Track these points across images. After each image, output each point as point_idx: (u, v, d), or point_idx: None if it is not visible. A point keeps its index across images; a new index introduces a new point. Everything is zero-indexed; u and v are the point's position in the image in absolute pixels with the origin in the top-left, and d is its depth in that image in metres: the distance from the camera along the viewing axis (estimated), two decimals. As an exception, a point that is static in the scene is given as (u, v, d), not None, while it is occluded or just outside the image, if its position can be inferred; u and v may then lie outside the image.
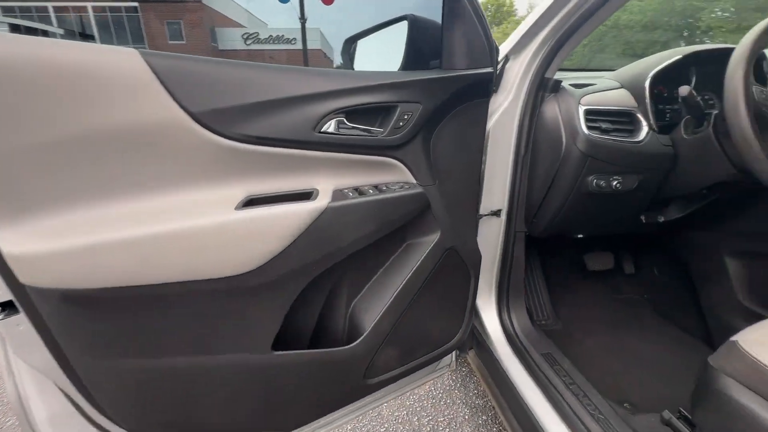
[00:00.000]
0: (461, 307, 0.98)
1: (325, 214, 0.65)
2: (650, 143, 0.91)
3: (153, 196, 0.57)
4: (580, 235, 1.23)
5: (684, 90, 0.81)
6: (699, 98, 0.86)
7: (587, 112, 0.92)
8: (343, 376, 0.81)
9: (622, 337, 1.25)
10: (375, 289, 0.85)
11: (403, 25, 0.88)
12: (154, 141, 0.55)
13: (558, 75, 0.99)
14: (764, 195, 0.99)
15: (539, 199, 1.03)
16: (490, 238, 1.11)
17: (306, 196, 0.68)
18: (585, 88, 0.99)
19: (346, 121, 0.70)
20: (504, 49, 0.97)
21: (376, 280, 0.86)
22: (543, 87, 0.97)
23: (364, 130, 0.72)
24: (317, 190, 0.69)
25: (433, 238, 0.84)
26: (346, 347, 0.78)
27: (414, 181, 0.79)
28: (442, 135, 0.82)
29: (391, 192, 0.74)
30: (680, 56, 0.97)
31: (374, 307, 0.84)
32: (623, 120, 0.94)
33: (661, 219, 1.07)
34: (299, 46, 21.08)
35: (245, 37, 22.22)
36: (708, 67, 1.01)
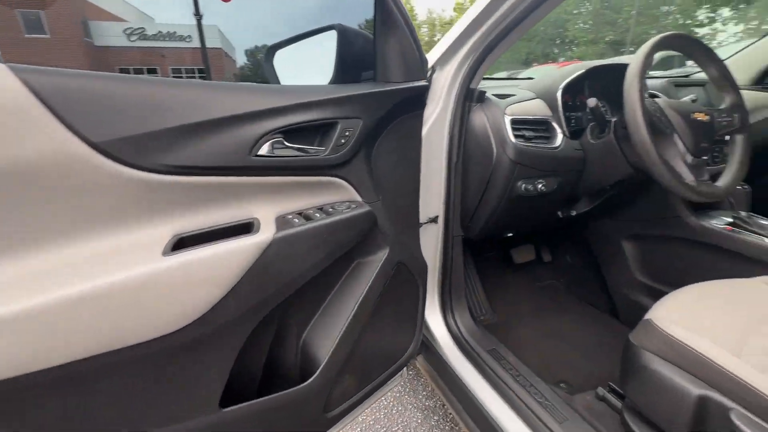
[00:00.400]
0: (412, 318, 0.98)
1: (271, 247, 0.59)
2: (565, 148, 1.01)
3: (53, 252, 0.45)
4: (509, 234, 1.33)
5: (592, 102, 0.92)
6: (603, 108, 0.99)
7: (513, 122, 0.99)
8: (303, 416, 0.75)
9: (548, 320, 1.39)
10: (326, 316, 0.80)
11: (331, 36, 0.84)
12: (47, 182, 0.43)
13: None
14: (649, 188, 1.18)
15: (474, 204, 1.08)
16: (430, 243, 1.13)
17: (246, 228, 0.60)
18: (507, 99, 1.07)
19: (284, 141, 0.64)
20: (430, 59, 0.99)
21: (327, 306, 0.81)
22: (469, 97, 1.02)
23: (303, 149, 0.66)
24: (257, 220, 0.62)
25: (382, 255, 0.82)
26: (302, 385, 0.72)
27: (360, 199, 0.76)
28: (381, 150, 0.81)
29: (339, 214, 0.69)
30: (584, 70, 1.11)
31: (327, 335, 0.79)
32: (542, 128, 1.04)
33: (574, 213, 1.20)
34: (195, 44, 19.33)
35: (129, 32, 19.57)
36: (602, 80, 1.16)
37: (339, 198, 0.74)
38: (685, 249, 1.13)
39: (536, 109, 1.07)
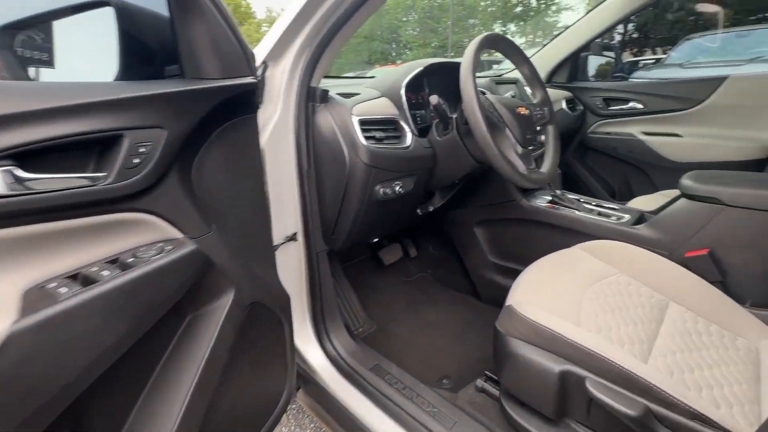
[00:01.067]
0: (281, 359, 0.82)
1: (8, 348, 0.36)
2: (416, 147, 1.00)
3: None
4: (375, 240, 1.28)
5: (434, 99, 0.92)
6: (444, 105, 1.01)
7: (362, 123, 0.92)
8: None
9: (422, 314, 1.41)
10: (158, 393, 0.58)
11: (107, 14, 0.60)
12: None
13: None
14: (489, 177, 1.29)
15: (334, 215, 0.98)
16: (292, 264, 0.99)
17: None
18: (353, 98, 0.99)
19: (22, 171, 0.41)
20: (259, 54, 0.84)
21: (156, 382, 0.59)
22: (312, 97, 0.91)
23: (66, 178, 0.44)
24: None
25: (226, 300, 0.64)
26: None
27: (179, 235, 0.57)
28: (206, 165, 0.62)
29: (145, 264, 0.49)
30: (421, 68, 1.12)
31: (164, 416, 0.58)
32: (391, 128, 1.00)
33: (431, 208, 1.23)
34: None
35: None
36: (440, 77, 1.21)
37: (145, 240, 0.53)
38: (523, 228, 1.28)
39: (383, 107, 1.03)
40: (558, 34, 1.83)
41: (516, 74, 1.78)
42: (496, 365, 0.84)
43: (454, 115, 0.99)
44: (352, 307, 1.30)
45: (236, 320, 0.66)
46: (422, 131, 1.09)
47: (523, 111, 0.92)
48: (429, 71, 1.13)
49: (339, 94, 0.99)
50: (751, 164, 1.52)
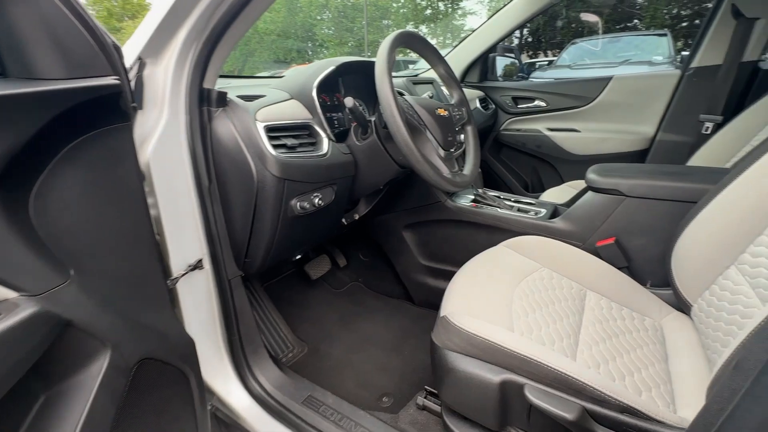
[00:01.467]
0: (188, 419, 0.68)
1: None
2: (334, 154, 0.91)
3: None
4: (298, 257, 1.17)
5: (349, 102, 0.84)
6: (362, 107, 0.94)
7: (268, 129, 0.81)
8: None
9: (356, 326, 1.34)
10: None
11: None
12: None
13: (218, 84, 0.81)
14: (414, 180, 1.26)
15: (246, 236, 0.86)
16: (199, 297, 0.84)
17: None
18: (257, 101, 0.87)
19: None
20: (131, 49, 0.68)
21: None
22: (206, 100, 0.77)
23: None
24: None
25: (98, 366, 0.50)
26: None
27: (11, 295, 0.42)
28: (52, 194, 0.47)
29: None
30: (334, 67, 1.03)
31: None
32: (304, 134, 0.90)
33: (357, 216, 1.16)
34: None
35: None
36: (354, 77, 1.13)
37: None
38: (449, 229, 1.27)
39: (293, 111, 0.92)
40: (466, 36, 1.88)
41: (432, 74, 1.79)
42: (436, 381, 0.80)
43: (373, 118, 0.93)
44: (279, 331, 1.18)
45: (116, 388, 0.52)
46: (340, 136, 1.01)
47: (442, 112, 0.89)
48: (343, 70, 1.05)
49: (241, 96, 0.86)
50: (636, 154, 1.73)
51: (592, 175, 1.05)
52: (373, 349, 1.23)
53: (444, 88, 1.60)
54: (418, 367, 1.14)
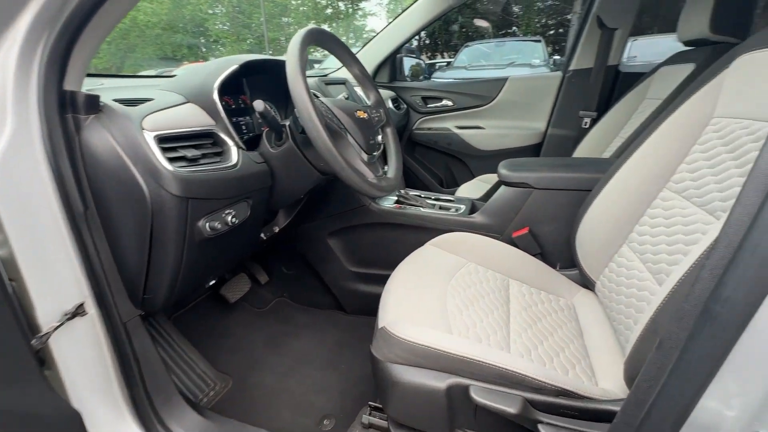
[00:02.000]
0: None
1: None
2: (246, 164, 0.81)
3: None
4: (212, 281, 1.03)
5: (259, 105, 0.75)
6: (274, 111, 0.84)
7: (160, 140, 0.68)
8: None
9: (287, 349, 1.24)
10: None
11: None
12: None
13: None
14: (337, 185, 1.20)
15: (142, 268, 0.71)
16: (85, 351, 0.68)
17: None
18: (142, 106, 0.72)
19: None
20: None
21: None
22: (70, 106, 0.61)
23: None
24: None
25: None
26: None
27: None
28: None
29: None
30: (237, 65, 0.91)
31: None
32: (207, 143, 0.78)
33: (276, 229, 1.06)
34: None
35: None
36: (259, 77, 1.03)
37: None
38: (376, 232, 1.25)
39: (191, 117, 0.79)
40: (372, 37, 1.88)
41: (343, 74, 1.74)
42: (380, 395, 0.76)
43: (287, 122, 0.85)
44: (196, 369, 1.02)
45: None
46: (250, 143, 0.90)
47: (362, 115, 0.85)
48: (246, 70, 0.94)
49: (120, 100, 0.71)
50: (532, 148, 1.92)
51: (503, 170, 1.12)
52: (308, 369, 1.15)
53: (357, 89, 1.57)
54: (359, 380, 1.10)
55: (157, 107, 0.74)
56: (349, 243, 1.31)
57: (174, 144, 0.70)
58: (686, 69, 1.17)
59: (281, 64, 0.75)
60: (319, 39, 0.78)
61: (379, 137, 0.93)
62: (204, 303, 1.28)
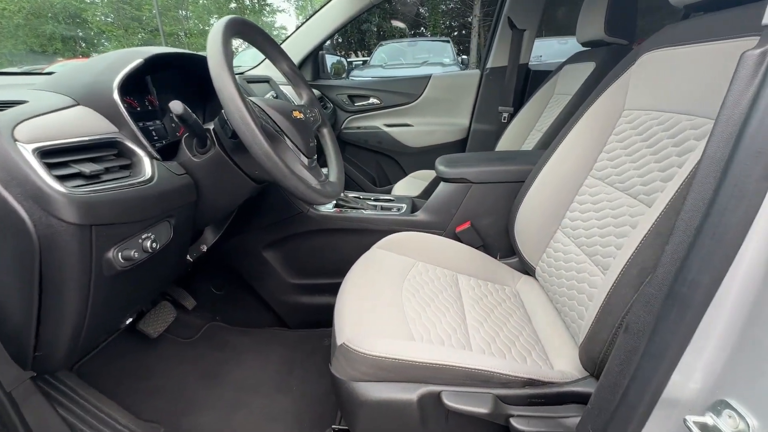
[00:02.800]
0: None
1: None
2: (164, 177, 0.67)
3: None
4: (129, 320, 0.86)
5: (177, 107, 0.62)
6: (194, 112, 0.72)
7: (43, 154, 0.53)
8: None
9: (226, 378, 1.11)
10: None
11: None
12: None
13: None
14: (269, 192, 1.09)
15: (30, 320, 0.55)
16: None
17: None
18: (9, 112, 0.56)
19: None
20: None
21: None
22: None
23: None
24: None
25: None
26: None
27: None
28: None
29: None
30: (141, 60, 0.75)
31: None
32: (110, 154, 0.63)
33: (205, 248, 0.93)
34: None
35: None
36: (167, 74, 0.88)
37: None
38: (317, 239, 1.18)
39: (84, 123, 0.63)
40: (292, 33, 1.77)
41: (265, 71, 1.61)
42: (346, 416, 0.71)
43: (211, 126, 0.73)
44: (115, 425, 0.85)
45: None
46: (165, 152, 0.76)
47: (298, 115, 0.77)
48: (151, 66, 0.79)
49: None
50: (458, 143, 1.99)
51: (441, 167, 1.13)
52: (255, 398, 1.04)
53: (284, 88, 1.46)
54: (315, 402, 1.02)
55: (33, 112, 0.57)
56: (288, 254, 1.21)
57: (64, 158, 0.55)
58: (588, 67, 1.30)
59: (194, 59, 0.64)
60: (242, 30, 0.68)
61: (314, 140, 0.87)
62: (117, 343, 1.08)
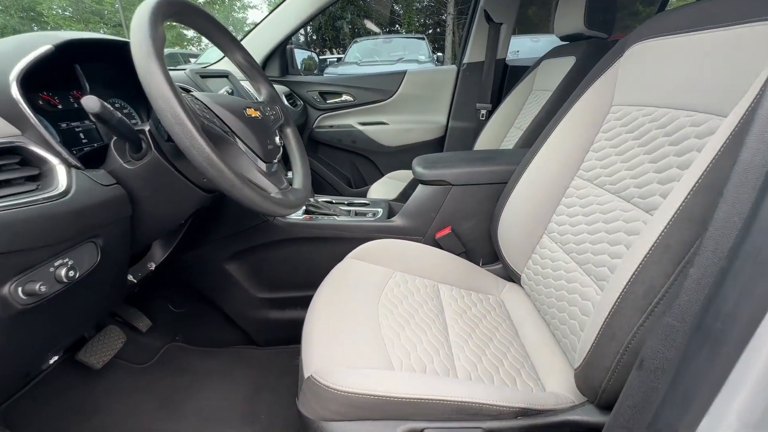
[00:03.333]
0: None
1: None
2: (84, 189, 0.55)
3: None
4: (51, 361, 0.73)
5: (92, 103, 0.50)
6: (126, 110, 0.60)
7: None
8: None
9: (188, 407, 0.99)
10: None
11: None
12: None
13: None
14: (228, 200, 0.98)
15: None
16: None
17: None
18: None
19: None
20: None
21: None
22: None
23: None
24: None
25: None
26: None
27: None
28: None
29: None
30: (50, 47, 0.62)
31: None
32: (10, 163, 0.51)
33: (153, 266, 0.81)
34: None
35: None
36: (104, 66, 0.75)
37: None
38: (285, 249, 1.07)
39: None
40: (255, 26, 1.65)
41: (226, 65, 1.49)
42: None
43: (146, 127, 0.61)
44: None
45: None
46: (90, 159, 0.64)
47: (253, 113, 0.67)
48: (82, 54, 0.66)
49: None
50: (436, 141, 1.92)
51: (418, 168, 1.05)
52: (218, 430, 0.93)
53: (246, 84, 1.34)
54: (286, 425, 0.92)
55: None
56: (254, 266, 1.10)
57: None
58: (568, 61, 1.25)
59: (118, 46, 0.53)
60: (179, 11, 0.57)
61: (278, 139, 0.76)
62: (52, 379, 0.94)
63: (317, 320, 0.72)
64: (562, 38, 1.38)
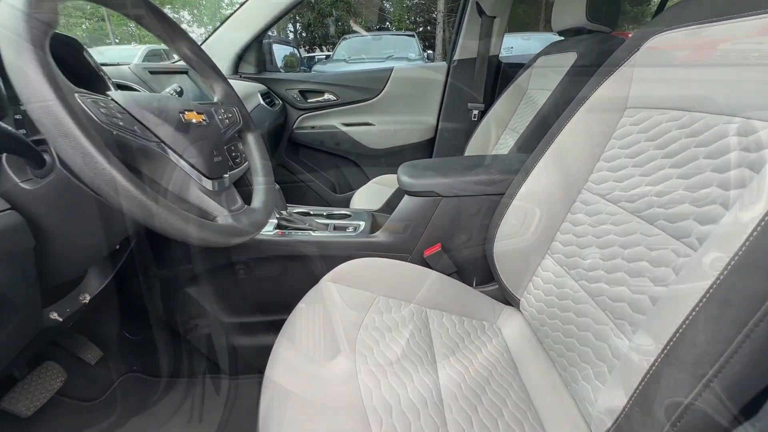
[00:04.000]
0: None
1: None
2: None
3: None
4: None
5: None
6: (18, 117, 0.47)
7: None
8: None
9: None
10: None
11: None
12: None
13: None
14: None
15: None
16: None
17: None
18: None
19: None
20: None
21: None
22: None
23: None
24: None
25: None
26: None
27: None
28: None
29: None
30: None
31: None
32: None
33: (86, 299, 0.68)
34: None
35: None
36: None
37: None
38: (254, 269, 0.95)
39: None
40: (226, 18, 1.51)
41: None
42: None
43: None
44: None
45: None
46: None
47: (193, 117, 0.54)
48: None
49: None
50: (426, 144, 1.81)
51: (404, 177, 0.93)
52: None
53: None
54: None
55: None
56: (218, 288, 0.97)
57: None
58: (568, 58, 1.14)
59: (65, 41, 0.40)
60: None
61: (234, 148, 0.64)
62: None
63: (281, 371, 0.60)
64: (561, 33, 1.27)
